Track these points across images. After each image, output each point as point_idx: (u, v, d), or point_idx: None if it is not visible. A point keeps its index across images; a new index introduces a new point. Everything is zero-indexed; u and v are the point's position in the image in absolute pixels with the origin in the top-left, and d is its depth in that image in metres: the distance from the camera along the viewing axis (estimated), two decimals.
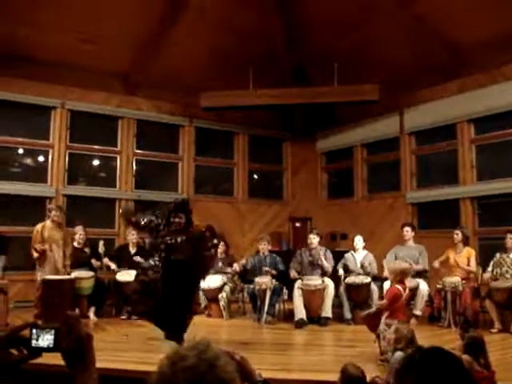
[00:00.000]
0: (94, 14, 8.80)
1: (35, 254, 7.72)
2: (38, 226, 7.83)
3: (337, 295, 7.96)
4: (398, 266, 5.67)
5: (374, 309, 5.78)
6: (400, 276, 5.54)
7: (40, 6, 8.45)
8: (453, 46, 9.08)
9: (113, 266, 8.61)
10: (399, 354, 4.07)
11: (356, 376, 3.46)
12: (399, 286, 5.43)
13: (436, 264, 7.89)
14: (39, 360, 1.60)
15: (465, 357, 3.75)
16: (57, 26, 8.83)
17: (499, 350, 5.67)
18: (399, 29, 9.16)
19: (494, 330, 6.77)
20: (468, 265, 7.68)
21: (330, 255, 8.41)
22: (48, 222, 7.91)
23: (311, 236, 8.46)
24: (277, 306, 8.19)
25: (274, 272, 8.26)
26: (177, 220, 6.01)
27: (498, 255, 7.41)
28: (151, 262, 6.02)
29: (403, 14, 8.89)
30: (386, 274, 7.88)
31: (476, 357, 3.86)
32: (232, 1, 9.34)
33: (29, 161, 10.01)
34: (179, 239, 5.96)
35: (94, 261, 8.42)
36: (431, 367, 1.69)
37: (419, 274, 7.89)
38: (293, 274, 8.28)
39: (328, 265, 8.20)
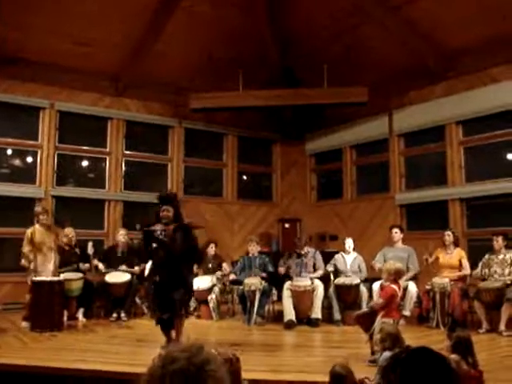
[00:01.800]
0: (84, 16, 8.79)
1: (23, 263, 7.69)
2: (29, 231, 7.78)
3: (326, 296, 7.97)
4: (393, 266, 5.70)
5: (368, 308, 5.79)
6: (394, 275, 5.57)
7: (31, 9, 8.44)
8: (441, 48, 9.15)
9: (100, 265, 8.57)
10: (387, 354, 4.09)
11: (341, 374, 3.47)
12: (395, 286, 5.46)
13: (429, 259, 7.91)
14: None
15: (453, 356, 3.77)
16: (47, 28, 8.81)
17: (487, 350, 5.70)
18: (388, 32, 9.22)
19: (482, 331, 6.81)
20: (460, 266, 7.72)
21: (319, 257, 8.42)
22: (37, 226, 7.86)
23: (303, 248, 8.43)
24: (266, 307, 8.20)
25: (263, 274, 8.28)
26: (165, 213, 5.98)
27: (486, 256, 7.44)
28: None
29: (392, 17, 8.95)
30: (376, 270, 7.90)
31: (464, 356, 3.87)
32: (221, 3, 9.35)
33: (17, 161, 9.95)
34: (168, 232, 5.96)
35: (81, 264, 8.35)
36: (416, 365, 1.70)
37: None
38: (281, 269, 8.28)
39: (318, 272, 8.22)
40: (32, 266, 7.57)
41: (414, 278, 7.98)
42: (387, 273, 5.64)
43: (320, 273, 8.23)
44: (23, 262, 7.67)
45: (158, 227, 6.00)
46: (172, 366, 1.32)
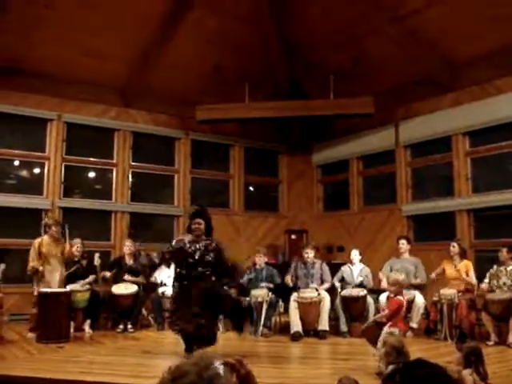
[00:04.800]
0: (92, 28, 8.85)
1: (30, 272, 7.70)
2: (36, 242, 7.78)
3: (333, 308, 7.94)
4: (401, 277, 5.70)
5: (371, 321, 5.78)
6: (398, 287, 5.58)
7: (38, 20, 8.51)
8: (447, 59, 9.16)
9: (108, 274, 8.56)
10: (392, 367, 4.07)
11: None
12: (401, 297, 5.46)
13: (433, 275, 7.90)
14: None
15: (465, 371, 3.75)
16: (54, 40, 8.87)
17: (496, 362, 5.65)
18: (395, 43, 9.24)
19: (491, 343, 6.75)
20: (467, 277, 7.68)
21: (326, 268, 8.39)
22: (45, 237, 7.86)
23: (307, 250, 8.42)
24: (273, 319, 8.18)
25: (271, 285, 8.27)
26: (196, 226, 6.11)
27: (494, 267, 7.40)
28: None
29: (398, 28, 8.97)
30: (383, 285, 7.89)
31: (476, 367, 3.85)
32: (228, 15, 9.41)
33: (25, 173, 10.00)
34: (198, 246, 6.00)
35: (86, 280, 8.30)
36: (414, 375, 1.70)
37: (416, 287, 7.89)
38: (287, 279, 8.26)
39: (325, 285, 8.19)
40: (40, 277, 7.59)
41: (421, 290, 7.94)
42: (396, 284, 5.64)
43: (327, 286, 8.20)
44: (30, 271, 7.67)
45: (188, 238, 6.08)
46: (182, 380, 1.32)
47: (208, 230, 6.21)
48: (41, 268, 7.56)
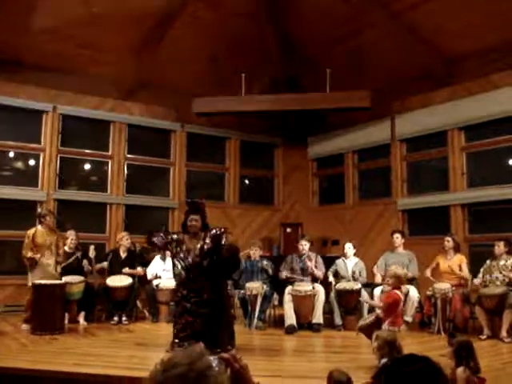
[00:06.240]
0: (88, 20, 8.80)
1: (26, 262, 7.67)
2: (30, 232, 7.75)
3: (327, 301, 7.96)
4: (401, 271, 5.73)
5: (372, 318, 5.79)
6: (399, 281, 5.60)
7: (34, 12, 8.46)
8: (443, 54, 9.16)
9: (104, 263, 8.56)
10: (385, 361, 4.09)
11: (340, 380, 3.47)
12: (398, 292, 5.48)
13: (428, 273, 7.91)
14: None
15: (459, 370, 3.77)
16: (50, 31, 8.81)
17: (488, 356, 5.69)
18: (391, 37, 9.23)
19: (484, 337, 6.78)
20: (460, 271, 7.72)
21: (320, 260, 8.41)
22: (39, 228, 7.83)
23: (302, 242, 8.46)
24: (267, 312, 8.19)
25: (269, 270, 8.32)
26: (193, 223, 6.02)
27: (488, 262, 7.43)
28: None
29: (395, 22, 8.96)
30: (377, 279, 7.93)
31: (467, 361, 3.87)
32: (225, 8, 9.37)
33: (20, 165, 9.97)
34: (192, 246, 5.98)
35: (85, 262, 8.31)
36: (400, 373, 1.70)
37: (409, 281, 7.92)
38: (284, 274, 8.27)
39: (319, 272, 8.22)
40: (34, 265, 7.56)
41: (414, 283, 7.96)
42: (397, 277, 5.67)
43: (321, 273, 8.21)
44: (26, 262, 7.65)
45: (180, 236, 6.08)
46: (173, 371, 1.33)
47: (204, 227, 6.12)
48: (37, 256, 7.55)
